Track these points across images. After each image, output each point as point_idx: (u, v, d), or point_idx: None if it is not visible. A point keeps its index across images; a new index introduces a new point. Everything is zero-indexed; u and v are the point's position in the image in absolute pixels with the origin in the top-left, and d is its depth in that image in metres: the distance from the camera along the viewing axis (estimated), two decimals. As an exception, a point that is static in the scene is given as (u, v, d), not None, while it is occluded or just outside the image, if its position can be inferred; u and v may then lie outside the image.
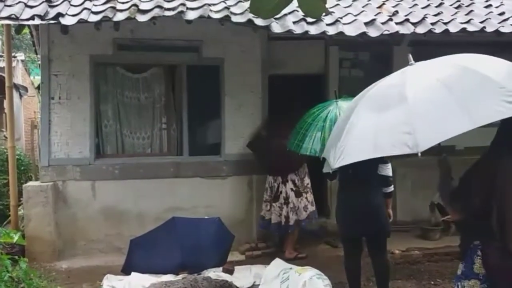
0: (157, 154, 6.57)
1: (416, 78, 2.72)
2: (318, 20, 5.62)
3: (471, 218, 2.84)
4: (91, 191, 6.17)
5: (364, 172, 4.30)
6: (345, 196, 4.42)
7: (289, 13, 5.58)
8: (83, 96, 6.16)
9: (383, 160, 4.37)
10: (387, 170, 4.39)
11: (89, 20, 5.17)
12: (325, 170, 4.61)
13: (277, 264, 4.84)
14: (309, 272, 4.42)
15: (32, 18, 5.12)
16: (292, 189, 6.03)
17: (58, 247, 5.98)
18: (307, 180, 6.11)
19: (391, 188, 4.45)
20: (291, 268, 4.67)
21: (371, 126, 2.64)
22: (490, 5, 6.53)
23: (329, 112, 4.42)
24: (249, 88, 6.56)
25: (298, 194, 6.04)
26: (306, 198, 6.07)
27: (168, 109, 6.63)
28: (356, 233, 4.43)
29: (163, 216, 5.69)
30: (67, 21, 5.16)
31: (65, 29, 5.34)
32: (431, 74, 2.70)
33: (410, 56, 2.92)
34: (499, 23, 6.04)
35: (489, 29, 5.91)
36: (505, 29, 5.93)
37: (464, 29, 5.86)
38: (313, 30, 5.58)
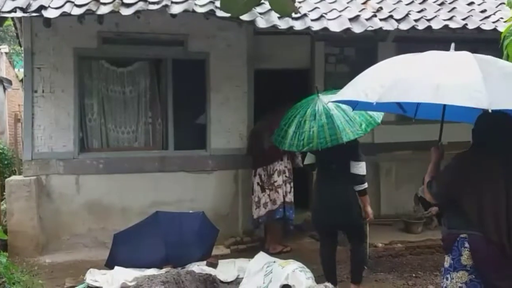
0: (142, 148, 6.55)
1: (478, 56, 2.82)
2: (303, 15, 5.64)
3: (440, 205, 2.99)
4: (75, 186, 6.14)
5: (342, 168, 4.42)
6: (321, 189, 4.57)
7: (274, 8, 5.58)
8: (67, 89, 6.11)
9: (356, 158, 4.46)
10: (359, 168, 4.44)
11: (72, 13, 5.13)
12: (307, 161, 4.75)
13: (261, 257, 4.88)
14: (292, 265, 4.48)
15: (14, 10, 5.06)
16: (258, 183, 6.09)
17: (41, 242, 5.95)
18: (275, 178, 6.02)
19: (364, 186, 4.50)
20: (274, 262, 4.72)
21: (433, 75, 2.61)
22: (472, 3, 6.62)
23: (309, 108, 4.48)
24: (235, 82, 6.56)
25: (263, 190, 6.08)
26: (269, 195, 6.05)
27: (153, 103, 6.60)
28: (327, 225, 4.60)
29: (148, 210, 5.69)
30: (49, 14, 5.12)
31: (47, 22, 5.30)
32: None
33: (453, 45, 2.99)
34: (480, 20, 6.13)
35: (471, 26, 6.00)
36: (486, 26, 6.02)
37: (446, 26, 5.93)
38: (298, 25, 5.60)
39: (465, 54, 2.85)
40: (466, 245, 2.85)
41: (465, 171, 2.90)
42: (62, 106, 6.10)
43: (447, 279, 2.96)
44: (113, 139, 6.49)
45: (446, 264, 2.98)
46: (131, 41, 6.28)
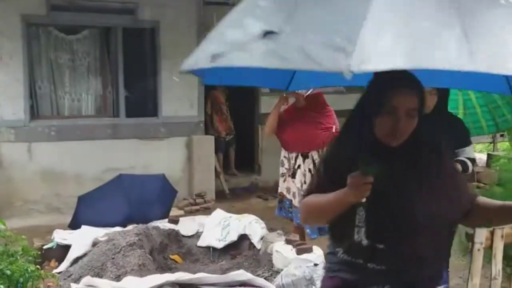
0: (93, 116, 6.64)
1: None
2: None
3: None
4: (27, 153, 6.15)
5: None
6: None
7: (226, -21, 5.85)
8: (16, 56, 6.04)
9: None
10: None
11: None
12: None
13: (218, 213, 5.25)
14: (248, 218, 4.90)
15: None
16: None
17: (-6, 209, 5.95)
18: None
19: None
20: (230, 217, 5.11)
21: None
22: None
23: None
24: (185, 51, 6.43)
25: None
26: None
27: (103, 71, 6.68)
28: None
29: (101, 177, 5.85)
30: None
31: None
32: None
33: None
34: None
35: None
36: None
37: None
38: (249, -4, 5.89)
39: None
40: None
41: None
42: (10, 73, 6.04)
43: None
44: (64, 107, 6.53)
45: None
46: (81, 9, 6.27)
